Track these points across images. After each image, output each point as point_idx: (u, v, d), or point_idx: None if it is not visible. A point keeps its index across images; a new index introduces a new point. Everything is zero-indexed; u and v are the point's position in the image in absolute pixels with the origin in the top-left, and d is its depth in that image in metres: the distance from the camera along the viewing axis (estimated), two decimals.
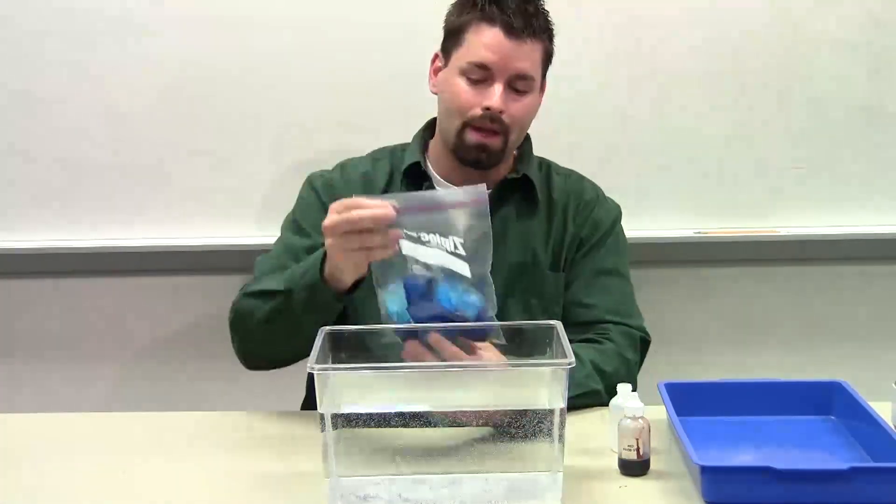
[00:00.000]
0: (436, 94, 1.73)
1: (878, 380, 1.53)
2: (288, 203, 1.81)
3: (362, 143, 1.87)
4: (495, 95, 1.63)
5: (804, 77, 2.13)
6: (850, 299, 2.24)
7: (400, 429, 1.29)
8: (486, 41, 1.64)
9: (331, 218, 1.42)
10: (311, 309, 1.53)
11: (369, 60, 2.08)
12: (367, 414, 1.29)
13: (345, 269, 1.48)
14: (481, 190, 1.39)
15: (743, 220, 2.18)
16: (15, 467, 1.45)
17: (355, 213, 1.39)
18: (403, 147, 1.79)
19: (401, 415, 1.29)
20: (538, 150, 1.83)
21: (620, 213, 1.81)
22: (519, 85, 1.66)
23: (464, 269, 1.38)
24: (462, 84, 1.66)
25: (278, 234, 1.80)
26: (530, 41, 1.65)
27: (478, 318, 1.39)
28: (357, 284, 1.51)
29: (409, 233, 1.39)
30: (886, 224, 2.18)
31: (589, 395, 1.57)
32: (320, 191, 1.76)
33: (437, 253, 1.38)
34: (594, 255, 1.74)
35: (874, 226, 2.18)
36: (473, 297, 1.39)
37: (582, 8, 2.09)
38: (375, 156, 1.82)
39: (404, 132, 1.81)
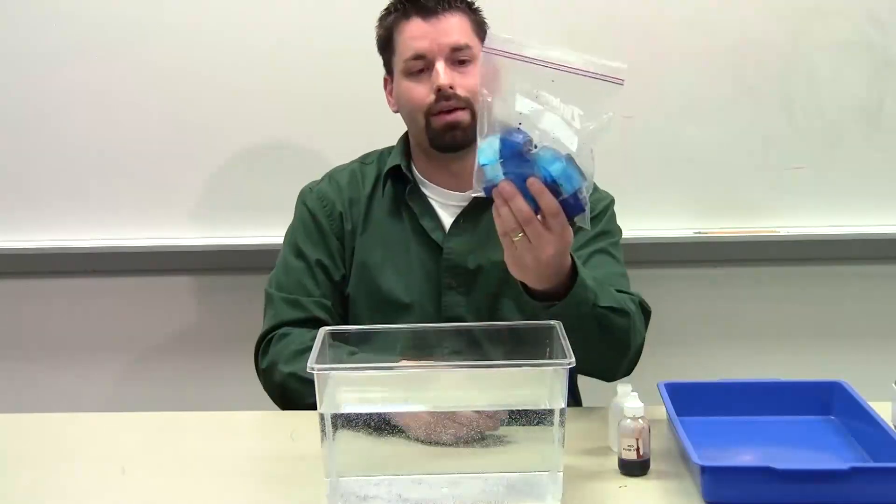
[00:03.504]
0: (397, 111, 1.74)
1: (878, 380, 1.53)
2: (286, 203, 1.81)
3: (358, 145, 1.87)
4: (439, 74, 1.64)
5: (804, 77, 2.13)
6: (850, 299, 2.24)
7: (400, 429, 1.30)
8: (410, 34, 1.67)
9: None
10: None
11: (364, 63, 2.08)
12: (367, 414, 1.30)
13: None
14: (620, 67, 1.30)
15: (743, 220, 2.18)
16: (15, 467, 1.45)
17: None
18: (391, 149, 1.80)
19: (401, 415, 1.29)
20: None
21: (612, 202, 1.79)
22: (459, 56, 1.66)
23: (572, 141, 1.30)
24: (409, 83, 1.68)
25: (277, 233, 1.81)
26: (449, 14, 1.66)
27: (573, 195, 1.32)
28: None
29: (529, 87, 1.30)
30: (886, 224, 2.18)
31: (621, 314, 1.53)
32: (313, 208, 1.77)
33: (550, 117, 1.30)
34: (585, 237, 1.71)
35: (874, 226, 2.18)
36: (575, 173, 1.31)
37: (584, 10, 2.10)
38: (364, 160, 1.83)
39: (396, 135, 1.82)
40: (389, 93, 1.76)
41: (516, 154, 1.31)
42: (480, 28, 1.71)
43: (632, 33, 2.10)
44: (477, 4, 1.73)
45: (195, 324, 2.27)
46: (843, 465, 1.25)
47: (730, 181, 2.17)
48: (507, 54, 1.31)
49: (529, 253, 1.36)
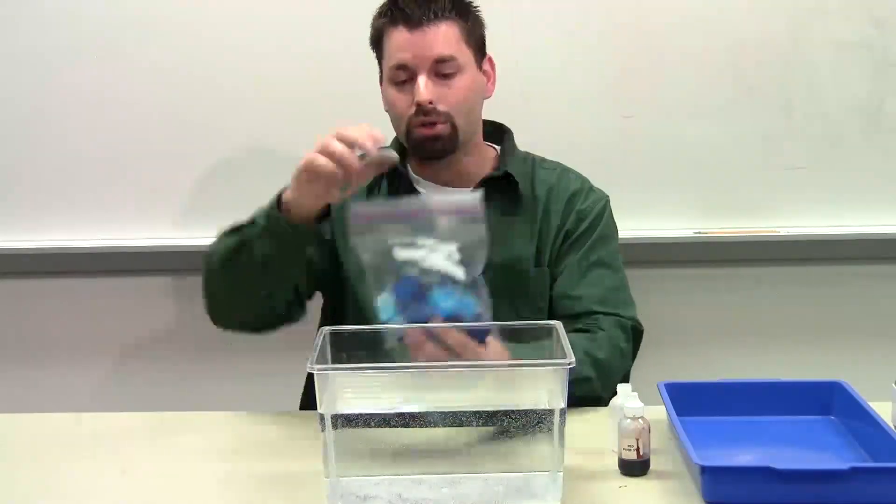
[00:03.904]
0: (387, 110, 1.74)
1: (878, 380, 1.53)
2: None
3: None
4: (419, 89, 1.64)
5: (804, 77, 2.13)
6: (850, 299, 2.24)
7: (400, 429, 1.30)
8: (395, 43, 1.66)
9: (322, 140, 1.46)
10: (268, 238, 1.55)
11: (363, 65, 2.08)
12: (367, 414, 1.30)
13: (306, 194, 1.50)
14: (475, 197, 1.40)
15: (743, 220, 2.18)
16: (15, 467, 1.45)
17: (342, 132, 1.45)
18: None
19: (401, 415, 1.29)
20: (539, 152, 1.83)
21: (608, 202, 1.79)
22: (442, 69, 1.65)
23: (458, 272, 1.38)
24: (393, 91, 1.68)
25: None
26: (435, 25, 1.64)
27: (474, 322, 1.38)
28: (319, 220, 1.54)
29: (403, 239, 1.39)
30: (886, 224, 2.18)
31: (580, 382, 1.53)
32: None
33: (431, 257, 1.38)
34: (581, 248, 1.73)
35: (874, 226, 2.18)
36: (470, 301, 1.38)
37: (585, 11, 2.09)
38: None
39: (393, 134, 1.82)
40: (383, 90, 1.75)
41: (412, 300, 1.37)
42: (472, 34, 1.69)
43: (632, 33, 2.10)
44: (476, 4, 1.72)
45: (195, 324, 2.25)
46: (843, 465, 1.25)
47: (730, 181, 2.17)
48: (374, 218, 1.41)
49: None
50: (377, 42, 1.71)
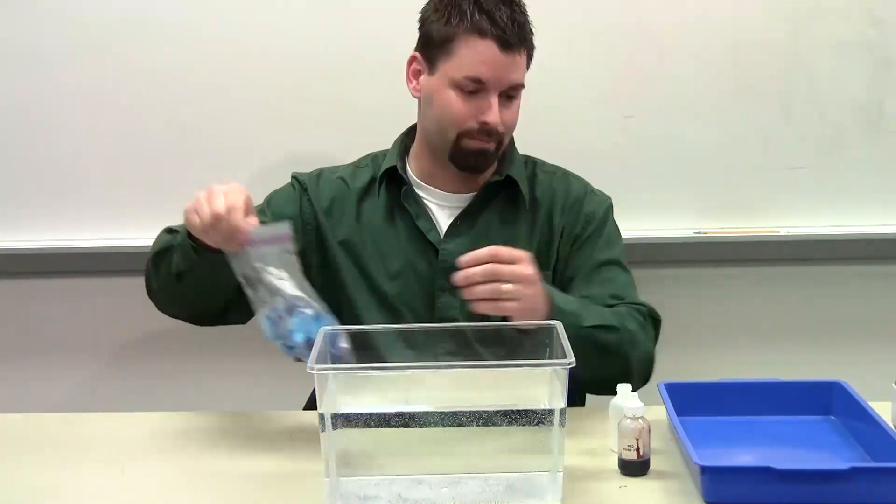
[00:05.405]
0: (417, 97, 1.72)
1: (878, 380, 1.53)
2: None
3: (356, 149, 1.87)
4: (493, 111, 1.64)
5: (804, 77, 2.13)
6: (850, 299, 2.24)
7: (400, 429, 1.30)
8: (480, 56, 1.62)
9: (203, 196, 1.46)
10: (182, 255, 1.55)
11: (363, 67, 2.08)
12: (367, 414, 1.30)
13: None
14: (286, 227, 1.46)
15: (743, 220, 2.18)
16: (15, 467, 1.45)
17: (216, 196, 1.43)
18: (385, 153, 1.80)
19: (401, 415, 1.29)
20: (539, 152, 1.83)
21: (611, 203, 1.80)
22: (510, 93, 1.67)
23: (309, 301, 1.44)
24: (455, 97, 1.65)
25: None
26: (519, 52, 1.65)
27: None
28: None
29: (256, 264, 1.44)
30: (886, 224, 2.18)
31: (607, 330, 1.55)
32: (297, 186, 1.80)
33: (286, 284, 1.44)
34: (591, 249, 1.73)
35: (874, 226, 2.18)
36: (323, 319, 1.43)
37: (585, 10, 2.09)
38: (358, 164, 1.82)
39: (390, 138, 1.82)
40: (413, 73, 1.71)
41: (279, 322, 1.43)
42: (530, 60, 1.71)
43: (632, 33, 2.10)
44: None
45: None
46: (843, 465, 1.25)
47: (730, 181, 2.17)
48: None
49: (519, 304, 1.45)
50: (447, 40, 1.64)
